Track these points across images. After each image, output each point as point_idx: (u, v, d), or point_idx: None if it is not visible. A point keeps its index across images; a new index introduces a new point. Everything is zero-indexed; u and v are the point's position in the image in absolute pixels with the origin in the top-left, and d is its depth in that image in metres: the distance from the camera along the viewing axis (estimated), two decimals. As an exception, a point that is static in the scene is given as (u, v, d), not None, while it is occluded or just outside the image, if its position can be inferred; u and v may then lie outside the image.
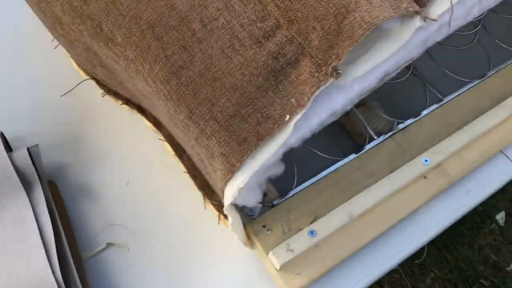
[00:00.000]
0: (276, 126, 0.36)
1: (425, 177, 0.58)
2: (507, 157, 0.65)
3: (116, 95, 0.52)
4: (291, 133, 0.37)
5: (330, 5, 0.36)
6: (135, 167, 0.59)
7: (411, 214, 0.58)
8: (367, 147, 0.59)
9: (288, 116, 0.36)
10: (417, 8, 0.38)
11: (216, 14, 0.38)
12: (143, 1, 0.39)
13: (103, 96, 0.53)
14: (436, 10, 0.40)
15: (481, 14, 0.67)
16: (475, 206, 0.63)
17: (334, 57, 0.36)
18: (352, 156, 0.58)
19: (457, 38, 0.68)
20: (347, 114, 0.66)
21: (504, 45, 0.71)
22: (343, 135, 0.67)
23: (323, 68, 0.36)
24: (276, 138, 0.37)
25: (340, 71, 0.36)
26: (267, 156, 0.37)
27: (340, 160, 0.58)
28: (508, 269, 1.34)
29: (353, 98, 0.41)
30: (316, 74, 0.36)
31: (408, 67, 0.66)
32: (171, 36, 0.38)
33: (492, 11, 0.73)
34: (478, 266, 1.34)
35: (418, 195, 0.57)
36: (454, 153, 0.60)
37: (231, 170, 0.37)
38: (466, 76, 0.67)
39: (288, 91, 0.37)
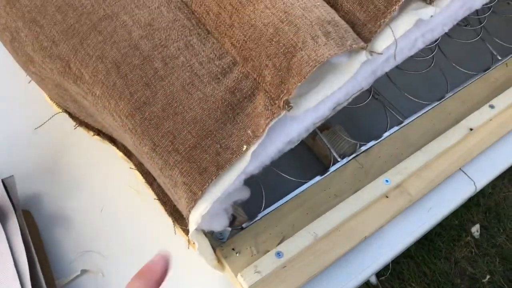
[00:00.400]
0: (234, 156, 0.39)
1: (387, 197, 0.61)
2: (466, 174, 0.68)
3: (87, 126, 0.55)
4: (249, 161, 0.40)
5: (281, 44, 0.39)
6: (109, 194, 0.61)
7: (376, 232, 0.60)
8: (332, 169, 0.62)
9: (245, 146, 0.39)
10: (362, 44, 0.42)
11: (176, 53, 0.41)
12: (109, 42, 0.42)
13: (75, 128, 0.55)
14: (381, 45, 0.43)
15: (436, 40, 0.72)
16: (437, 222, 0.66)
17: (285, 91, 0.39)
18: (318, 178, 0.61)
19: (416, 63, 0.73)
20: (313, 139, 0.69)
21: (460, 68, 0.75)
22: (311, 158, 0.70)
23: (276, 102, 0.39)
24: (235, 167, 0.40)
25: (291, 104, 0.39)
26: (227, 184, 0.40)
27: (306, 182, 0.61)
28: (484, 281, 1.38)
29: (308, 126, 0.44)
30: (270, 107, 0.39)
31: (369, 91, 0.70)
32: (135, 74, 0.40)
33: (448, 36, 0.78)
34: (455, 279, 1.38)
35: (381, 214, 0.60)
36: (414, 173, 0.63)
37: (193, 199, 0.39)
38: (425, 99, 0.71)
39: (245, 123, 0.40)
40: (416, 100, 0.71)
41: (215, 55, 0.42)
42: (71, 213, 0.59)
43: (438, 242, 1.45)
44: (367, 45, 0.43)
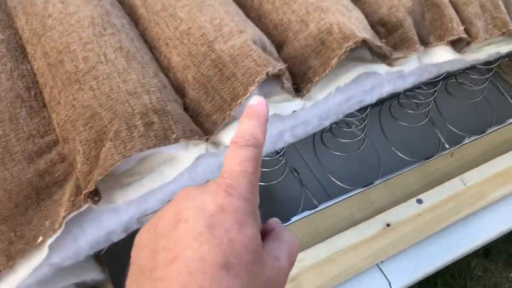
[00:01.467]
0: (27, 247, 0.35)
1: (274, 291, 0.55)
2: (383, 273, 0.61)
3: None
4: (48, 253, 0.36)
5: (93, 131, 0.36)
6: None
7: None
8: (222, 251, 0.57)
9: (41, 238, 0.35)
10: (198, 136, 0.38)
11: (-3, 126, 0.39)
12: None
13: None
14: (228, 137, 0.39)
15: (364, 121, 0.66)
16: (340, 323, 0.59)
17: (91, 183, 0.35)
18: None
19: (347, 145, 0.67)
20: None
21: (398, 153, 0.69)
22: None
23: (83, 193, 0.36)
24: (30, 259, 0.36)
25: (97, 198, 0.35)
26: (22, 276, 0.36)
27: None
28: None
29: (132, 218, 0.40)
30: (72, 198, 0.36)
31: (285, 167, 0.65)
32: (-51, 145, 0.38)
33: (394, 118, 0.72)
34: None
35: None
36: (312, 266, 0.57)
37: (-17, 288, 0.36)
38: (351, 182, 0.65)
39: (48, 211, 0.36)
40: (340, 183, 0.65)
41: (39, 132, 0.39)
42: None
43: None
44: (208, 138, 0.39)
